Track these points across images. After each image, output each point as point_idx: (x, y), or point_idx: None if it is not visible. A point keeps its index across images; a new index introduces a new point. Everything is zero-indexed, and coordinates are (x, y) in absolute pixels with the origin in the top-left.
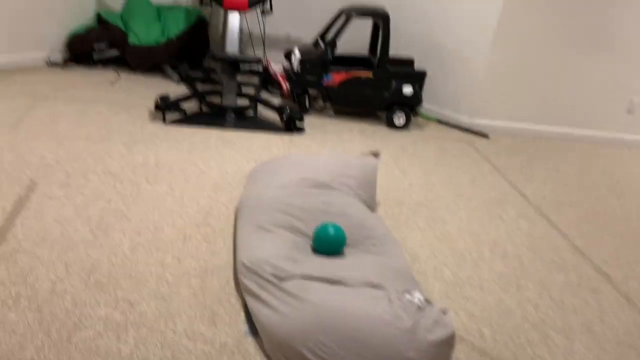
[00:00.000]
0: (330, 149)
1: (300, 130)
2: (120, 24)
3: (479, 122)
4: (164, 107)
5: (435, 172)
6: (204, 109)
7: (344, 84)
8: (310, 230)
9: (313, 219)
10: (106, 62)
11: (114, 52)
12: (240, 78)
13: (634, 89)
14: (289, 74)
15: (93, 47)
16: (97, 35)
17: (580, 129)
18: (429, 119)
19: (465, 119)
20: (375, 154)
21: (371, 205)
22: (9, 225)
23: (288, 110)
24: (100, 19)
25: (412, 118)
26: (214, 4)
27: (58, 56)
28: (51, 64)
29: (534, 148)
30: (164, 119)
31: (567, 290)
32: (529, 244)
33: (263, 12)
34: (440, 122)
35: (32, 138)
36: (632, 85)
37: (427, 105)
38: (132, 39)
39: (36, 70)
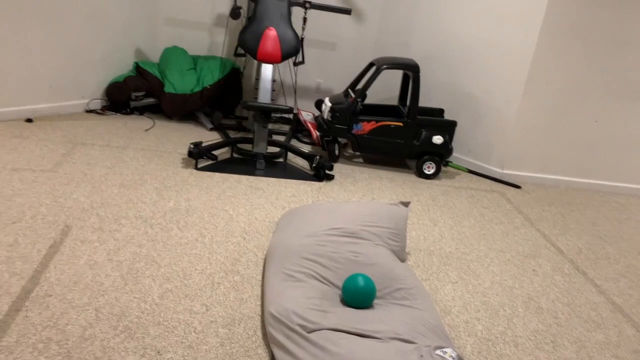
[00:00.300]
0: (359, 198)
1: (329, 177)
2: (157, 73)
3: (511, 173)
4: (196, 154)
5: (466, 223)
6: (235, 155)
7: (373, 132)
8: (339, 280)
9: (342, 269)
10: (142, 110)
11: (150, 100)
12: (271, 126)
13: None
14: (319, 122)
15: (130, 96)
16: (134, 83)
17: (615, 181)
18: (459, 168)
19: (496, 170)
20: (405, 204)
21: (401, 256)
22: (43, 268)
23: (318, 158)
24: (138, 69)
25: (442, 168)
26: (248, 55)
27: (97, 104)
28: (90, 111)
29: (567, 200)
30: (196, 166)
31: (607, 350)
32: (565, 300)
33: (295, 63)
34: (470, 172)
35: (69, 183)
36: None
37: (458, 155)
38: (168, 88)
39: (76, 117)
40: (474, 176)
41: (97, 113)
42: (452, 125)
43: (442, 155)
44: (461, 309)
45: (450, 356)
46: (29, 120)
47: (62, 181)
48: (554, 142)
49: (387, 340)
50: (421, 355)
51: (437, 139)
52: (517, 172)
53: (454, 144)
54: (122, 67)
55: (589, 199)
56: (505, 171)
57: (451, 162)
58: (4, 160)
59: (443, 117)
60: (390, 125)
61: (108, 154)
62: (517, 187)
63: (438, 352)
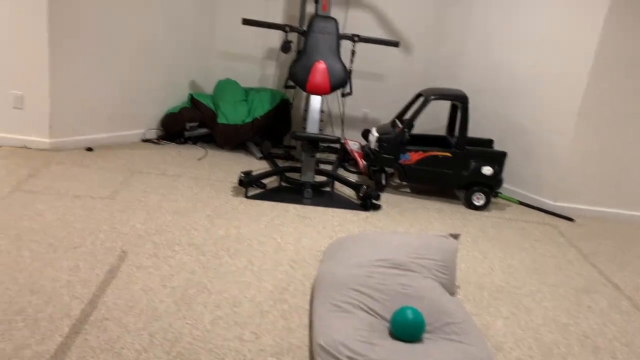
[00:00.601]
0: (407, 228)
1: (376, 207)
2: (210, 105)
3: (563, 205)
4: (247, 183)
5: (517, 256)
6: (284, 184)
7: (421, 162)
8: (388, 312)
9: (390, 301)
10: (195, 140)
11: (203, 131)
12: (318, 155)
13: None
14: (366, 152)
15: (185, 126)
16: (189, 114)
17: None
18: (509, 200)
19: (548, 202)
20: (455, 236)
21: (451, 289)
22: (101, 293)
23: (365, 188)
24: (193, 100)
25: (492, 199)
26: (297, 87)
27: (153, 133)
28: (146, 141)
29: (623, 234)
30: (246, 194)
31: None
32: (623, 340)
33: (343, 95)
34: (521, 203)
35: (126, 210)
36: None
37: (508, 186)
38: (221, 119)
39: (133, 146)
40: (525, 208)
41: (153, 142)
42: (501, 155)
43: (491, 186)
44: (513, 345)
45: None
46: (90, 149)
47: (120, 208)
48: (609, 174)
49: None
50: None
51: (487, 170)
52: (570, 204)
53: (503, 175)
54: (177, 98)
55: None
56: (557, 203)
57: (501, 193)
58: (66, 187)
59: (492, 147)
60: (438, 155)
61: (163, 182)
62: (570, 219)
63: None
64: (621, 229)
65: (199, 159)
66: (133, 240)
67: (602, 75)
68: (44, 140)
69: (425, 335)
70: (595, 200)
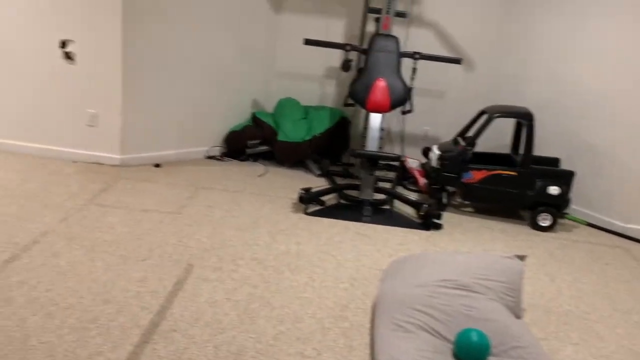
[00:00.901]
0: (469, 249)
1: (437, 227)
2: (271, 123)
3: (636, 227)
4: (307, 199)
5: (586, 280)
6: (342, 202)
7: (485, 181)
8: (451, 334)
9: (454, 322)
10: (256, 157)
11: (264, 148)
12: (377, 173)
13: None
14: (427, 170)
15: (247, 143)
16: (251, 132)
17: None
18: (578, 221)
19: (619, 223)
20: (521, 257)
21: (516, 312)
22: (168, 304)
23: (426, 207)
24: (255, 118)
25: (559, 220)
26: (357, 105)
27: (216, 150)
28: (210, 157)
29: None
30: (305, 210)
31: None
32: None
33: (403, 112)
34: (590, 225)
35: (191, 224)
36: None
37: (576, 207)
38: (281, 136)
39: (197, 163)
40: (594, 230)
41: (216, 159)
42: (569, 175)
43: (558, 207)
44: None
45: None
46: (157, 165)
47: (186, 222)
48: None
49: None
50: None
51: (553, 190)
52: None
53: (571, 195)
54: (240, 116)
55: None
56: (629, 225)
57: (568, 214)
58: (136, 201)
59: (559, 166)
60: (502, 174)
61: (226, 197)
62: None
63: None
64: None
65: (260, 176)
66: (199, 254)
67: None
68: (115, 156)
69: (490, 359)
70: None
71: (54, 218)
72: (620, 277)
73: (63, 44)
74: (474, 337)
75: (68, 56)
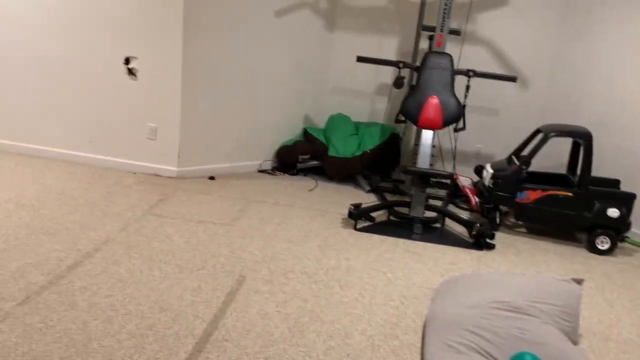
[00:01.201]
0: (523, 270)
1: (490, 246)
2: (322, 138)
3: None
4: (356, 215)
5: None
6: (392, 218)
7: (539, 201)
8: (503, 356)
9: (506, 345)
10: (307, 171)
11: (314, 163)
12: (428, 190)
13: None
14: (479, 188)
15: (298, 158)
16: (302, 147)
17: None
18: (639, 245)
19: None
20: (578, 281)
21: (573, 338)
22: (221, 314)
23: (478, 226)
24: (306, 133)
25: (618, 243)
26: (408, 121)
27: (268, 164)
28: (262, 171)
29: None
30: (355, 226)
31: None
32: None
33: (456, 130)
34: None
35: (244, 236)
36: None
37: (636, 231)
38: (332, 152)
39: (250, 176)
40: None
41: (268, 173)
42: (630, 197)
43: (618, 230)
44: None
45: None
46: (212, 178)
47: (239, 234)
48: None
49: None
50: None
51: (613, 212)
52: None
53: (632, 218)
54: (291, 131)
55: None
56: None
57: (628, 237)
58: (191, 212)
59: (619, 188)
60: (559, 195)
61: (277, 211)
62: None
63: None
64: None
65: (310, 190)
66: (250, 266)
67: None
68: (172, 168)
69: None
70: None
71: (115, 227)
72: None
73: (127, 61)
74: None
75: (131, 72)
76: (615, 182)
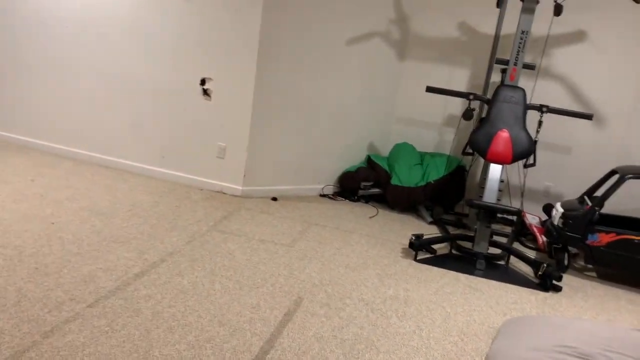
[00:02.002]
0: (591, 316)
1: (557, 289)
2: (385, 166)
3: None
4: (418, 246)
5: None
6: (454, 252)
7: (613, 245)
8: None
9: None
10: (368, 198)
11: (376, 190)
12: (493, 226)
13: None
14: (548, 228)
15: (359, 185)
16: (365, 174)
17: None
18: None
19: None
20: None
21: None
22: (277, 333)
23: (545, 266)
24: (369, 161)
25: None
26: (476, 154)
27: (330, 189)
28: (323, 195)
29: None
30: (415, 257)
31: None
32: None
33: (525, 166)
34: None
35: (303, 258)
36: None
37: None
38: (395, 180)
39: (311, 199)
40: None
41: (329, 197)
42: None
43: None
44: None
45: None
46: (275, 199)
47: (298, 256)
48: None
49: None
50: None
51: None
52: None
53: None
54: (355, 158)
55: None
56: None
57: None
58: (254, 231)
59: None
60: (634, 239)
61: (337, 235)
62: None
63: None
64: None
65: (371, 217)
66: (308, 288)
67: None
68: (237, 187)
69: None
70: None
71: (181, 240)
72: None
73: (203, 82)
74: None
75: (206, 93)
76: None
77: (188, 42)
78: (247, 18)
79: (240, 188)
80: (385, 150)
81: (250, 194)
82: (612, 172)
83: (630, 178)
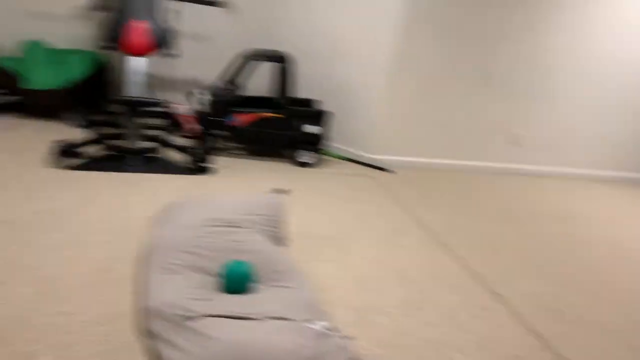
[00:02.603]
0: (241, 188)
1: (204, 170)
2: (17, 69)
3: (384, 158)
4: (63, 153)
5: (343, 208)
6: (108, 152)
7: (251, 124)
8: (219, 268)
9: (222, 258)
10: (3, 108)
11: (13, 98)
12: (146, 121)
13: (514, 123)
14: (194, 115)
15: None
16: None
17: (471, 160)
18: (337, 157)
19: (371, 156)
20: (283, 191)
21: (280, 241)
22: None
23: (195, 151)
24: None
25: (319, 156)
26: (114, 48)
27: None
28: None
29: (432, 181)
30: (64, 165)
31: (462, 310)
32: (429, 270)
33: (166, 55)
34: (348, 159)
35: None
36: (513, 119)
37: (337, 144)
38: (30, 84)
39: None
40: (351, 164)
41: None
42: (324, 115)
43: (315, 144)
44: (336, 285)
45: (322, 326)
46: None
47: None
48: (419, 127)
49: (262, 320)
50: (293, 329)
51: (311, 129)
52: (389, 156)
53: (333, 133)
54: None
55: (452, 178)
56: (377, 156)
57: (327, 150)
58: None
59: (315, 107)
60: (267, 117)
61: None
62: (390, 171)
63: (310, 324)
64: (430, 176)
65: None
66: None
67: (409, 37)
68: None
69: (256, 286)
70: (409, 151)
71: None
72: (369, 202)
73: None
74: (234, 268)
75: None
76: (308, 102)
77: None
78: None
79: None
80: (13, 52)
81: None
82: (243, 57)
83: (253, 60)
